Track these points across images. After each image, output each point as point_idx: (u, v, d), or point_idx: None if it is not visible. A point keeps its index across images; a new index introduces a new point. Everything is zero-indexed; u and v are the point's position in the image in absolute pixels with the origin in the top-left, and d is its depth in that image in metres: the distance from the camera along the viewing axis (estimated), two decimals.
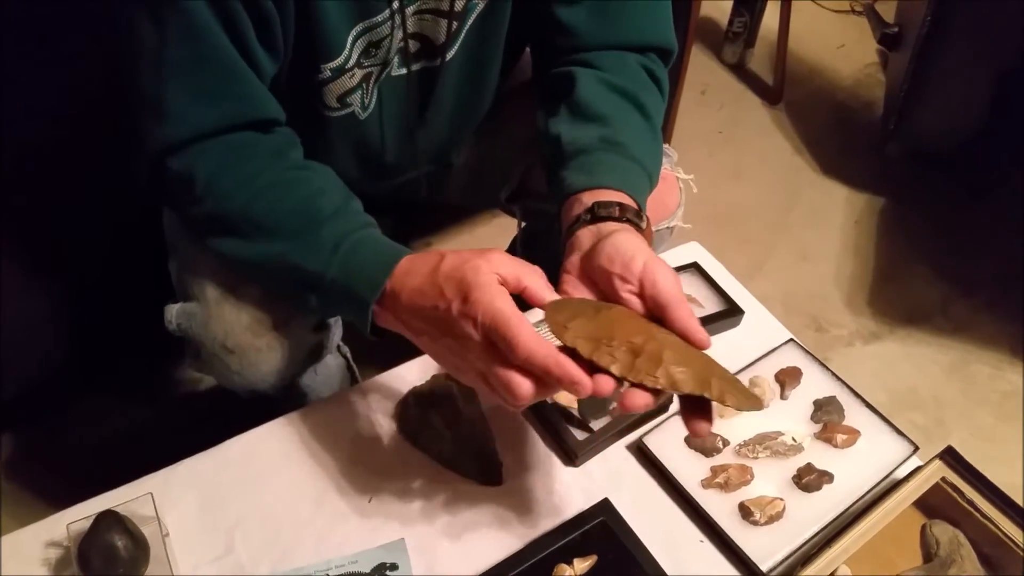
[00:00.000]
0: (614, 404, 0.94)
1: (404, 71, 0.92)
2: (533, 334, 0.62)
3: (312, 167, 0.83)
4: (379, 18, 0.83)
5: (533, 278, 0.68)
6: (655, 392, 0.63)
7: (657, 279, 0.68)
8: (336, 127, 0.93)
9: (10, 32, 1.12)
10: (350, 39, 0.83)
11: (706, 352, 0.68)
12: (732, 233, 1.90)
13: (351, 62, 0.85)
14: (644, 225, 0.77)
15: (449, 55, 0.92)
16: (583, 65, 0.89)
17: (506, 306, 0.63)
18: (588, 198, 0.77)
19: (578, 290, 0.73)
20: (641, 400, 0.63)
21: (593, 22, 0.89)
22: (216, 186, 0.79)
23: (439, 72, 0.93)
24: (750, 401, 0.64)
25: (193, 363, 1.04)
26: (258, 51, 0.78)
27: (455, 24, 0.88)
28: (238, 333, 0.94)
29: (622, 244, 0.70)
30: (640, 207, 0.79)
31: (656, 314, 0.69)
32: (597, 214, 0.76)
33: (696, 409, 0.65)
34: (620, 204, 0.76)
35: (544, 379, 0.63)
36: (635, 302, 0.70)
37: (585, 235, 0.75)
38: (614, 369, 0.63)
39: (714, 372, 0.64)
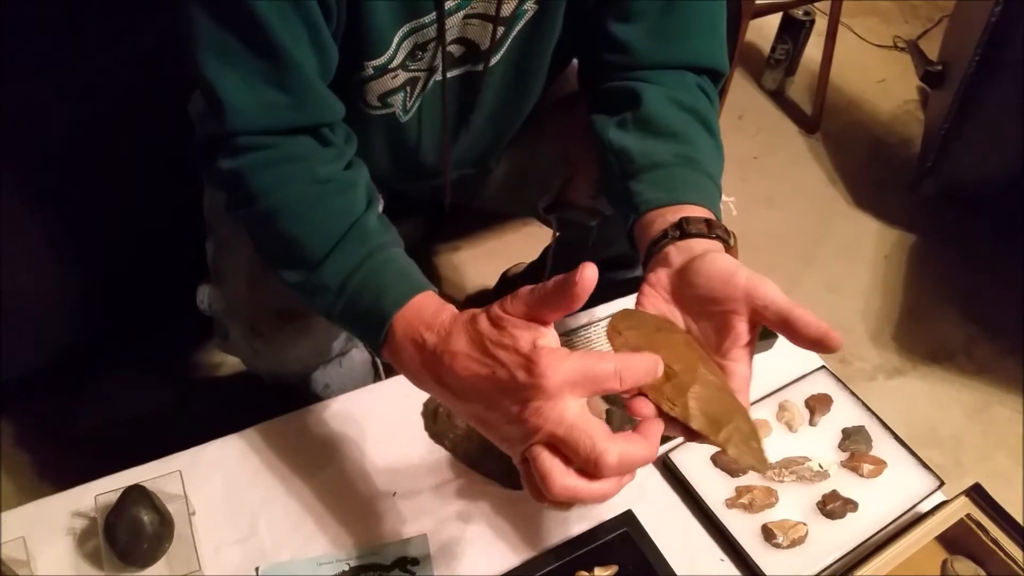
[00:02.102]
0: None
1: (447, 75, 0.91)
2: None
3: (336, 180, 0.80)
4: (426, 19, 0.83)
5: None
6: (668, 419, 0.62)
7: (767, 292, 0.64)
8: (375, 125, 0.93)
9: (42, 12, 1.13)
10: (396, 38, 0.83)
11: (741, 405, 0.64)
12: (761, 260, 1.90)
13: (395, 62, 0.85)
14: (732, 242, 0.74)
15: (493, 61, 0.91)
16: (643, 81, 0.87)
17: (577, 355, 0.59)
18: (672, 214, 0.75)
19: (657, 306, 0.71)
20: (646, 410, 0.61)
21: (651, 41, 0.88)
22: (248, 192, 0.78)
23: (482, 77, 0.92)
24: (755, 460, 0.62)
25: (221, 344, 1.05)
26: (328, 39, 0.78)
27: (502, 30, 0.88)
28: (268, 318, 0.95)
29: (720, 262, 0.67)
30: (723, 223, 0.77)
31: (779, 328, 0.65)
32: (687, 231, 0.72)
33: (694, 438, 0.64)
34: (708, 221, 0.73)
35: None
36: (739, 327, 0.66)
37: (673, 252, 0.72)
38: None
39: (732, 421, 0.62)
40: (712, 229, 0.73)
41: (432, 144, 1.00)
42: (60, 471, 1.38)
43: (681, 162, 0.80)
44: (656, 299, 0.71)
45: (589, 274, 0.55)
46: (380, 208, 1.10)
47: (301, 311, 0.94)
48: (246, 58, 0.74)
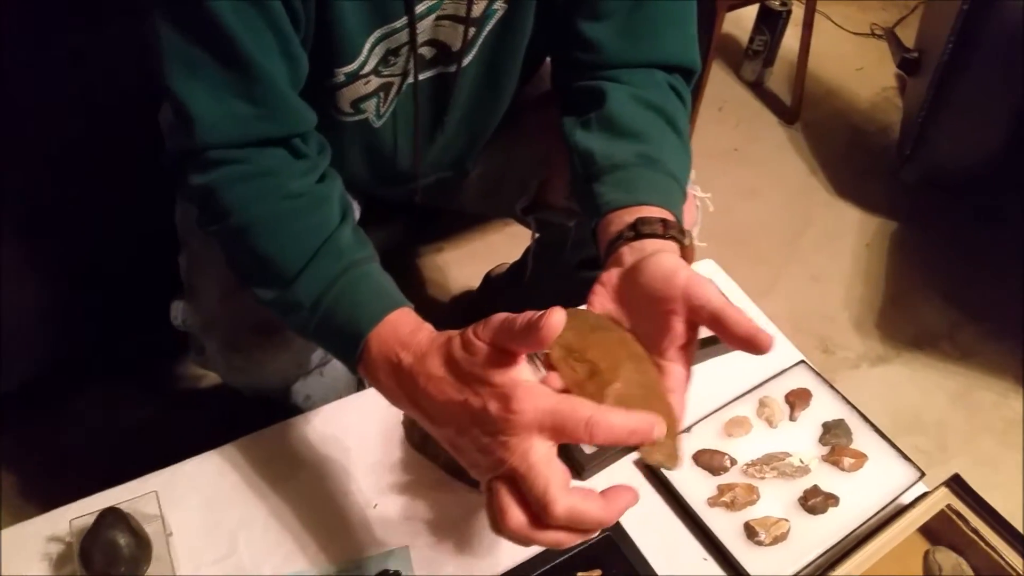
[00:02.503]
0: None
1: (420, 77, 0.91)
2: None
3: (309, 195, 0.78)
4: (397, 24, 0.82)
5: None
6: None
7: (701, 292, 0.65)
8: (349, 132, 0.93)
9: (17, 26, 1.12)
10: (368, 44, 0.82)
11: (669, 401, 0.65)
12: (743, 251, 1.90)
13: (367, 68, 0.85)
14: (688, 242, 0.75)
15: (465, 61, 0.91)
16: (611, 80, 0.87)
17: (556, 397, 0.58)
18: (629, 215, 0.75)
19: (605, 305, 0.71)
20: (555, 384, 0.61)
21: (620, 40, 0.87)
22: (220, 208, 0.77)
23: (455, 78, 0.92)
24: (662, 456, 0.61)
25: (198, 360, 1.04)
26: (298, 48, 0.77)
27: (473, 30, 0.88)
28: (244, 332, 0.94)
29: (663, 262, 0.68)
30: (680, 223, 0.78)
31: (712, 327, 0.65)
32: (640, 231, 0.73)
33: None
34: (663, 221, 0.74)
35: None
36: (677, 327, 0.66)
37: (626, 252, 0.72)
38: (563, 379, 0.62)
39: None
40: (667, 229, 0.73)
41: (407, 148, 1.00)
42: (40, 491, 1.37)
43: (642, 162, 0.80)
44: (604, 298, 0.71)
45: (555, 320, 0.54)
46: (357, 216, 1.09)
47: (277, 324, 0.93)
48: (214, 70, 0.73)
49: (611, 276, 0.72)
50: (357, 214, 1.11)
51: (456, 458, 0.63)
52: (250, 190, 0.76)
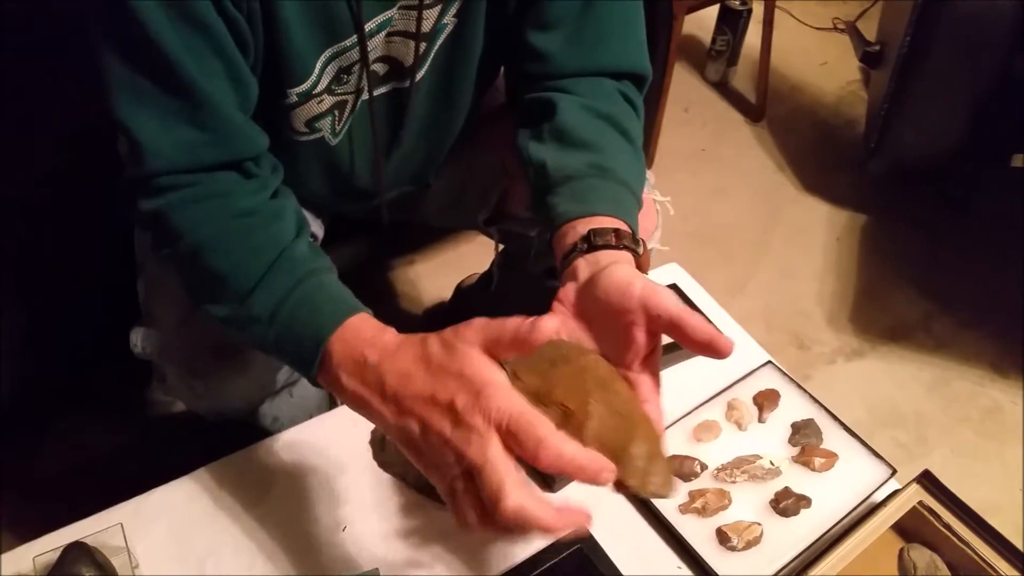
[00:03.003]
0: None
1: (374, 93, 0.90)
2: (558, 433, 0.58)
3: (261, 211, 0.78)
4: (347, 42, 0.82)
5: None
6: None
7: (658, 300, 0.65)
8: (305, 151, 0.92)
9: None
10: (319, 64, 0.82)
11: (649, 419, 0.65)
12: (714, 251, 1.90)
13: (319, 87, 0.84)
14: (641, 250, 0.75)
15: (418, 76, 0.91)
16: (561, 91, 0.87)
17: (525, 406, 0.59)
18: (582, 226, 0.75)
19: (566, 324, 0.71)
20: None
21: (568, 49, 0.88)
22: (172, 232, 0.77)
23: (409, 93, 0.92)
24: (657, 488, 0.61)
25: (160, 386, 1.03)
26: (246, 72, 0.76)
27: (424, 45, 0.87)
28: (203, 356, 0.93)
29: (616, 274, 0.68)
30: (634, 232, 0.78)
31: (672, 334, 0.66)
32: (593, 243, 0.74)
33: None
34: (616, 231, 0.74)
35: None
36: (639, 337, 0.67)
37: (581, 265, 0.73)
38: None
39: (627, 448, 0.61)
40: (620, 239, 0.73)
41: (365, 165, 0.99)
42: (8, 523, 1.35)
43: (593, 172, 0.80)
44: (564, 316, 0.71)
45: (549, 326, 0.56)
46: (320, 235, 1.08)
47: (237, 347, 0.92)
48: (159, 98, 0.73)
49: (568, 292, 0.72)
50: (320, 232, 1.10)
51: (416, 464, 0.63)
52: (200, 211, 0.75)
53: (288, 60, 0.80)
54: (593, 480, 0.56)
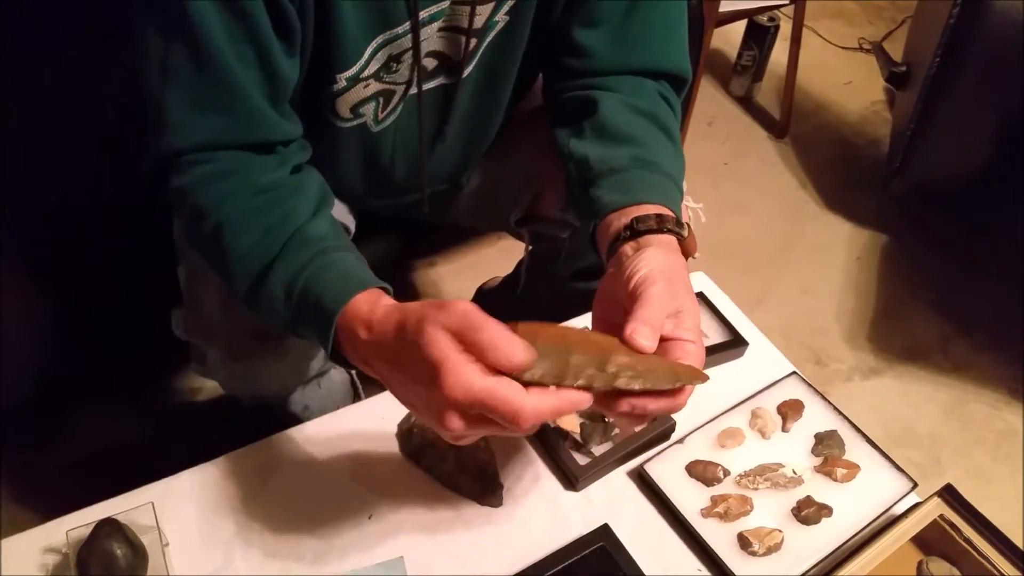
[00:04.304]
0: (616, 431, 0.94)
1: (421, 88, 0.91)
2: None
3: (280, 187, 0.79)
4: (400, 30, 0.83)
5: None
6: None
7: (641, 304, 0.67)
8: (347, 139, 0.93)
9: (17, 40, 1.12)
10: (370, 49, 0.83)
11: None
12: (734, 265, 1.91)
13: (367, 72, 0.85)
14: (686, 233, 0.77)
15: (466, 72, 0.92)
16: (601, 89, 0.89)
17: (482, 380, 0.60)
18: (626, 215, 0.77)
19: (600, 309, 0.74)
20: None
21: (612, 46, 0.89)
22: (196, 210, 0.78)
23: (456, 89, 0.93)
24: (676, 377, 0.65)
25: (199, 368, 1.04)
26: (281, 63, 0.77)
27: (474, 41, 0.89)
28: (245, 340, 0.95)
29: (644, 257, 0.70)
30: (678, 217, 0.79)
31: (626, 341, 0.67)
32: (637, 229, 0.75)
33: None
34: (658, 215, 0.75)
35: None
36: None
37: (627, 251, 0.74)
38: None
39: (608, 362, 0.64)
40: (663, 223, 0.75)
41: (405, 157, 1.00)
42: (37, 504, 1.36)
43: (638, 164, 0.82)
44: (600, 303, 0.74)
45: (521, 358, 0.59)
46: (352, 229, 1.09)
47: (278, 332, 0.94)
48: (191, 81, 0.74)
49: (608, 278, 0.75)
50: (351, 227, 1.11)
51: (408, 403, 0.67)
52: (221, 190, 0.77)
53: (339, 45, 0.81)
54: (576, 408, 0.61)
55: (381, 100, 0.90)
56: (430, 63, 0.89)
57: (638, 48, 0.90)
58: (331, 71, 0.83)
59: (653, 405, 0.64)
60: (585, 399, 0.61)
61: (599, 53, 0.89)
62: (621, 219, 0.77)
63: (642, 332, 0.65)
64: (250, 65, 0.75)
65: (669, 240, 0.75)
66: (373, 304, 0.69)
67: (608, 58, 0.90)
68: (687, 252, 0.75)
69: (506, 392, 0.58)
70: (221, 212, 0.76)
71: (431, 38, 0.86)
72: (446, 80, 0.92)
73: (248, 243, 0.76)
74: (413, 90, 0.90)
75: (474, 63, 0.91)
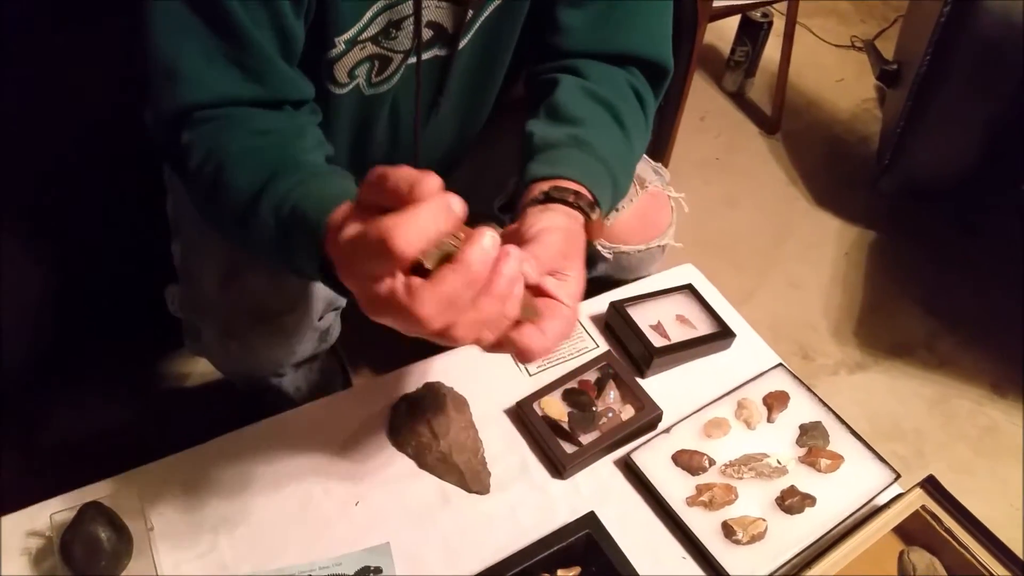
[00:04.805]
0: (603, 420, 0.94)
1: (420, 56, 0.91)
2: None
3: (281, 130, 0.78)
4: None
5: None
6: None
7: (546, 229, 0.68)
8: (342, 107, 0.92)
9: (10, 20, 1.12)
10: (370, 12, 0.83)
11: None
12: (724, 259, 1.92)
13: (365, 35, 0.85)
14: (595, 217, 0.77)
15: (462, 44, 0.92)
16: (569, 71, 0.90)
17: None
18: (546, 185, 0.78)
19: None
20: None
21: (590, 27, 0.90)
22: (200, 159, 0.77)
23: (451, 61, 0.93)
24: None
25: (192, 346, 1.04)
26: (292, 24, 0.77)
27: (471, 13, 0.89)
28: (241, 318, 0.95)
29: (548, 215, 0.72)
30: (598, 202, 0.79)
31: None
32: (551, 196, 0.76)
33: None
34: (576, 192, 0.76)
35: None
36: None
37: (535, 211, 0.75)
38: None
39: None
40: (578, 199, 0.76)
41: (401, 131, 0.99)
42: (21, 489, 1.36)
43: (571, 143, 0.83)
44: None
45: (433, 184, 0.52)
46: None
47: (274, 310, 0.94)
48: (207, 36, 0.74)
49: (505, 236, 0.73)
50: None
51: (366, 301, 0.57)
52: (225, 137, 0.76)
53: (340, 7, 0.81)
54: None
55: (376, 63, 0.89)
56: (426, 33, 0.89)
57: (618, 32, 0.91)
58: (330, 35, 0.83)
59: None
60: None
61: (577, 33, 0.90)
62: (541, 187, 0.78)
63: (524, 258, 0.61)
64: (262, 25, 0.75)
65: (576, 215, 0.76)
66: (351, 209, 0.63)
67: (585, 39, 0.91)
68: (590, 235, 0.76)
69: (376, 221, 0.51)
70: (222, 153, 0.76)
71: (430, 7, 0.86)
72: (441, 52, 0.92)
73: (246, 176, 0.74)
74: (411, 60, 0.90)
75: (471, 35, 0.91)
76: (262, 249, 0.76)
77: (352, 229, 0.53)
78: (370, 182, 0.53)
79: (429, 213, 0.50)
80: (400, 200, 0.51)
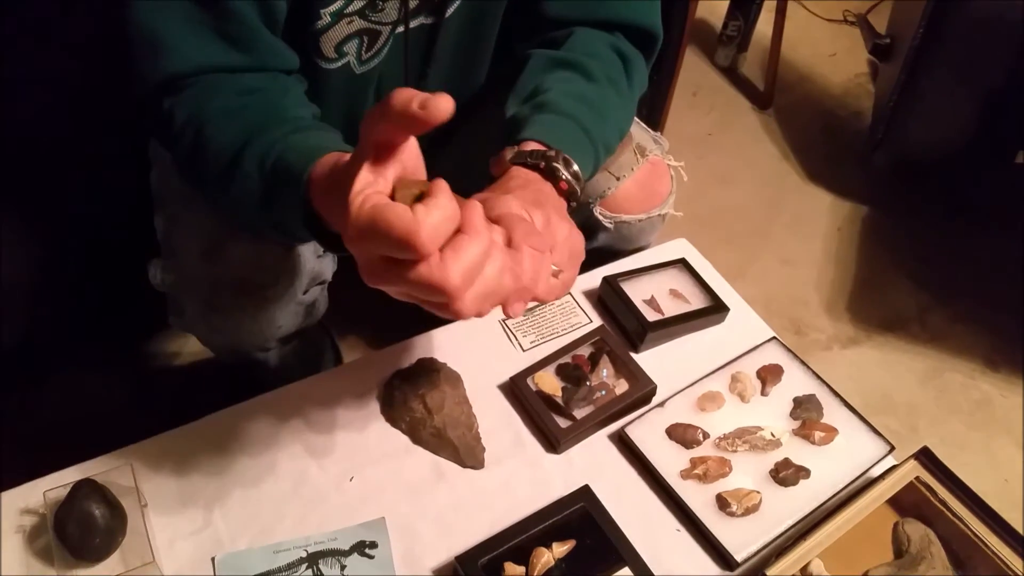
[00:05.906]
0: (597, 394, 0.94)
1: (408, 25, 0.90)
2: None
3: (267, 90, 0.78)
4: None
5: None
6: None
7: (500, 202, 0.68)
8: (331, 83, 0.92)
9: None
10: None
11: None
12: (717, 235, 1.92)
13: (351, 8, 0.84)
14: (560, 167, 0.76)
15: (448, 12, 0.91)
16: (547, 45, 0.91)
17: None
18: (509, 154, 0.78)
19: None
20: None
21: None
22: (182, 122, 0.77)
23: (438, 30, 0.92)
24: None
25: (176, 321, 1.03)
26: (275, 8, 0.77)
27: None
28: (225, 292, 0.94)
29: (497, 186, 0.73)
30: (569, 158, 0.78)
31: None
32: (513, 163, 0.77)
33: None
34: (532, 151, 0.77)
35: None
36: None
37: (488, 189, 0.76)
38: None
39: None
40: (535, 157, 0.77)
41: None
42: (13, 467, 1.35)
43: (532, 111, 0.83)
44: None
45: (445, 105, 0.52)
46: None
47: (257, 283, 0.93)
48: (190, 7, 0.74)
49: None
50: None
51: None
52: (208, 98, 0.76)
53: None
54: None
55: (366, 39, 0.88)
56: (413, 2, 0.88)
57: (602, 1, 0.91)
58: (315, 6, 0.82)
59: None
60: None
61: (563, 1, 0.91)
62: (504, 156, 0.79)
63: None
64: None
65: (530, 173, 0.76)
66: (337, 159, 0.62)
67: (571, 6, 0.91)
68: (565, 185, 0.77)
69: (395, 210, 0.50)
70: (206, 113, 0.75)
71: None
72: (427, 20, 0.91)
73: (230, 133, 0.73)
74: (399, 30, 0.89)
75: (457, 3, 0.91)
76: (246, 207, 0.74)
77: (371, 202, 0.51)
78: (373, 113, 0.52)
79: (445, 210, 0.51)
80: (409, 118, 0.51)
